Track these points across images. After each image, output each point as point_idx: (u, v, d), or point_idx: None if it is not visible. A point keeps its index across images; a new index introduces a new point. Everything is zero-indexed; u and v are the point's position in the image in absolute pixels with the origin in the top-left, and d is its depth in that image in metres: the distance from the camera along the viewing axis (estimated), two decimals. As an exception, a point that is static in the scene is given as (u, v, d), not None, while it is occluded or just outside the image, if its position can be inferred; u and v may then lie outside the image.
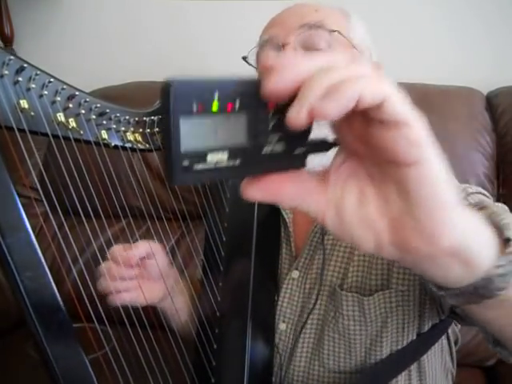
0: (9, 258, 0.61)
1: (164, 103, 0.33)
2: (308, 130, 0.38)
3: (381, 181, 0.38)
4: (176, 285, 0.95)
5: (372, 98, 0.32)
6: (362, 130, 0.36)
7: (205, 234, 0.98)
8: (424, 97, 1.42)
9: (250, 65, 0.96)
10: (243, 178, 0.38)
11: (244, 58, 0.97)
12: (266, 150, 0.37)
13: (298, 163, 0.40)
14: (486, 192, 0.80)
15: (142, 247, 0.85)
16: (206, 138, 0.35)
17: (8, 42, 1.72)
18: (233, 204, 0.99)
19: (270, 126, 0.37)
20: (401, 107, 0.34)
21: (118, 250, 0.84)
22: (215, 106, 0.34)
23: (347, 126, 0.37)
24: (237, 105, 0.35)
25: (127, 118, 0.72)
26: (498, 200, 1.42)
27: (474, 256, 0.40)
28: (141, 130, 0.75)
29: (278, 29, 0.89)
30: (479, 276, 0.42)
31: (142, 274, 0.87)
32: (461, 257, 0.38)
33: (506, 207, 0.64)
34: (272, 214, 0.97)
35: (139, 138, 0.74)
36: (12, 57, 0.58)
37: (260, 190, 0.38)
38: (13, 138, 0.62)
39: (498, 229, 0.47)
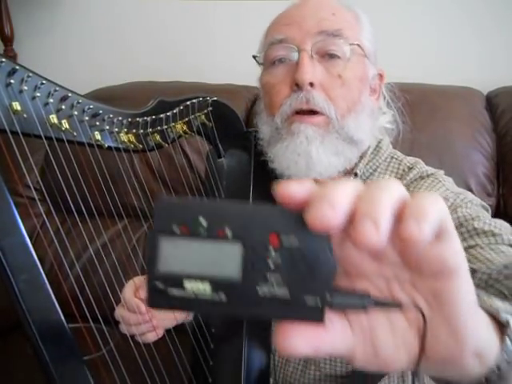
0: (3, 261, 0.61)
1: (153, 220, 0.33)
2: (327, 274, 0.33)
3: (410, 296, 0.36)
4: None
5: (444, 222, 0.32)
6: (399, 246, 0.34)
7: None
8: (424, 97, 1.42)
9: (257, 61, 0.92)
10: (234, 318, 0.35)
11: (254, 57, 0.92)
12: (264, 291, 0.32)
13: (312, 316, 0.33)
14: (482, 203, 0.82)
15: None
16: (185, 263, 0.32)
17: (8, 41, 1.72)
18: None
19: (271, 263, 0.32)
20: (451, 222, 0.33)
21: (128, 296, 0.83)
22: (201, 231, 0.32)
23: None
24: (228, 233, 0.32)
25: (120, 118, 0.72)
26: (497, 200, 1.42)
27: (487, 348, 0.39)
28: (134, 130, 0.75)
29: (294, 30, 0.85)
30: (489, 366, 0.41)
31: None
32: (478, 353, 0.38)
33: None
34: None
35: (132, 139, 0.74)
36: (3, 59, 0.58)
37: (307, 344, 0.33)
38: (14, 137, 0.63)
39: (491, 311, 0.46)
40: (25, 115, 0.62)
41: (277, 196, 0.33)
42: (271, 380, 0.90)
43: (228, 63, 1.69)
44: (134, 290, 0.83)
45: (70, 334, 0.65)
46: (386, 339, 0.36)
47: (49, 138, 0.65)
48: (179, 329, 0.91)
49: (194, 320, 0.93)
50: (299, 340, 0.33)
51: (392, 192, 0.32)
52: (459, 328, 0.35)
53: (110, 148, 0.72)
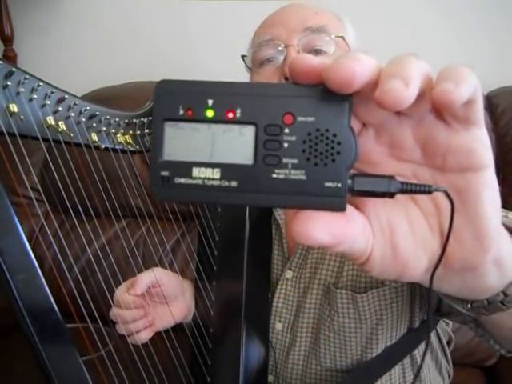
0: (1, 261, 0.61)
1: (153, 105, 0.31)
2: (348, 156, 0.30)
3: (431, 195, 0.34)
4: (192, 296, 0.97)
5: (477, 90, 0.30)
6: (423, 135, 0.33)
7: (198, 234, 0.98)
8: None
9: (246, 65, 0.96)
10: (242, 205, 0.32)
11: (243, 57, 0.96)
12: (278, 174, 0.30)
13: (332, 203, 0.30)
14: None
15: (145, 279, 0.84)
16: (192, 149, 0.30)
17: (8, 41, 1.72)
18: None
19: (286, 144, 0.30)
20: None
21: (120, 295, 0.84)
22: (210, 113, 0.30)
23: (409, 129, 0.33)
24: (238, 114, 0.30)
25: (117, 120, 0.73)
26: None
27: (507, 259, 0.37)
28: (131, 131, 0.75)
29: (280, 29, 0.88)
30: (508, 281, 0.40)
31: (159, 297, 0.88)
32: (499, 261, 0.36)
33: None
34: (263, 214, 0.97)
35: (129, 140, 0.74)
36: (0, 61, 0.58)
37: (327, 231, 0.31)
38: (12, 139, 0.63)
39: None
40: (22, 117, 0.62)
41: (292, 72, 0.30)
42: (272, 377, 0.91)
43: (229, 63, 1.69)
44: (126, 289, 0.84)
45: (69, 334, 0.66)
46: (406, 239, 0.34)
47: (46, 140, 0.65)
48: (178, 329, 0.91)
49: (192, 320, 0.94)
50: (318, 226, 0.30)
51: (422, 64, 0.30)
52: (483, 228, 0.33)
53: (107, 149, 0.73)
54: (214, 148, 0.30)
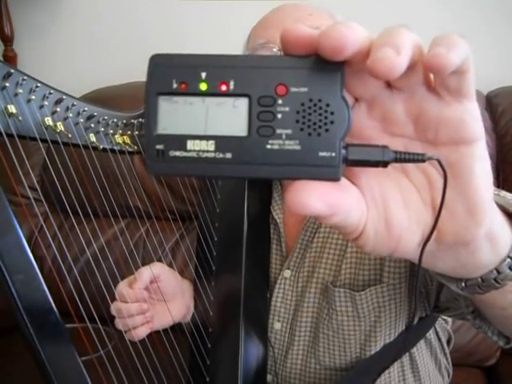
0: (-1, 261, 0.61)
1: (146, 79, 0.31)
2: (341, 126, 0.30)
3: (423, 168, 0.34)
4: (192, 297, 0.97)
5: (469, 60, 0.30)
6: (415, 109, 0.33)
7: (196, 234, 0.98)
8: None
9: None
10: (236, 177, 0.32)
11: None
12: (273, 145, 0.30)
13: (326, 173, 0.31)
14: None
15: (145, 275, 0.84)
16: (187, 122, 0.30)
17: (8, 41, 1.72)
18: (223, 204, 0.99)
19: (279, 115, 0.30)
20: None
21: (122, 287, 0.83)
22: (203, 86, 0.30)
23: (400, 100, 0.33)
24: (232, 86, 0.30)
25: (115, 120, 0.73)
26: (497, 200, 1.42)
27: (499, 235, 0.38)
28: (129, 132, 0.75)
29: (274, 32, 0.87)
30: (500, 258, 0.40)
31: (158, 294, 0.88)
32: (491, 237, 0.37)
33: None
34: (262, 213, 0.97)
35: (128, 141, 0.74)
36: (-2, 63, 0.58)
37: (322, 200, 0.31)
38: (11, 140, 0.63)
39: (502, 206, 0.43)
40: (20, 118, 0.62)
41: (283, 43, 0.31)
42: (270, 376, 0.91)
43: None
44: (128, 284, 0.84)
45: (68, 334, 0.66)
46: (399, 213, 0.34)
47: (44, 141, 0.65)
48: (177, 329, 0.91)
49: (191, 320, 0.94)
50: (313, 195, 0.30)
51: (413, 35, 0.30)
52: (475, 202, 0.33)
53: (105, 150, 0.73)
54: (208, 120, 0.30)
